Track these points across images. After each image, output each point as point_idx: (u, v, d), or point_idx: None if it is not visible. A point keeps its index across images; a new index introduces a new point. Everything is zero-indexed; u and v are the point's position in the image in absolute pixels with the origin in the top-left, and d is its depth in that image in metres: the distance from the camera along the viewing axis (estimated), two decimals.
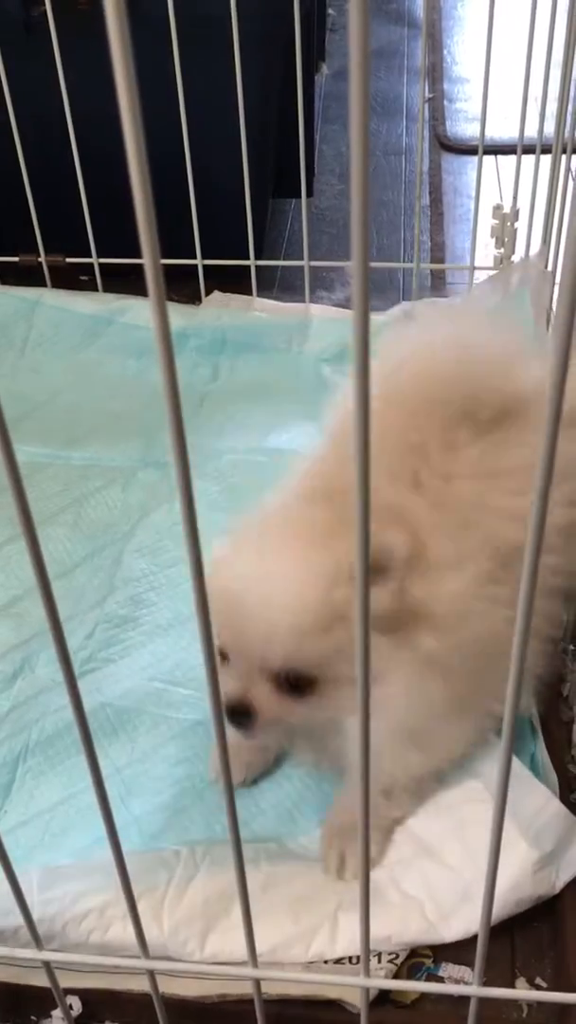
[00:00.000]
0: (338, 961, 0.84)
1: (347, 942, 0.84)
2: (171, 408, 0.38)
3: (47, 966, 0.67)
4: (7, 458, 0.39)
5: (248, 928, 0.62)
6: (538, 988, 0.84)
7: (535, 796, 0.90)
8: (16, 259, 1.53)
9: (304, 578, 0.78)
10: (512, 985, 0.84)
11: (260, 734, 0.84)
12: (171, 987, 0.79)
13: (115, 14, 0.31)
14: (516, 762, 0.92)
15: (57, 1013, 0.82)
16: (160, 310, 0.35)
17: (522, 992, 0.83)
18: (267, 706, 0.81)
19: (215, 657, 0.49)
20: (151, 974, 0.67)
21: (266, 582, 0.79)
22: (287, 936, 0.84)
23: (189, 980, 0.82)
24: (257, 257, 1.49)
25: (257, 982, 0.66)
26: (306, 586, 0.78)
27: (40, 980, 0.80)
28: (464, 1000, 0.66)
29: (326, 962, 0.84)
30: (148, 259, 0.34)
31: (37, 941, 0.65)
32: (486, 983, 0.65)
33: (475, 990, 0.66)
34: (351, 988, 0.80)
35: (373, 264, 1.51)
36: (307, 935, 0.84)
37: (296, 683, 0.80)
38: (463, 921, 0.84)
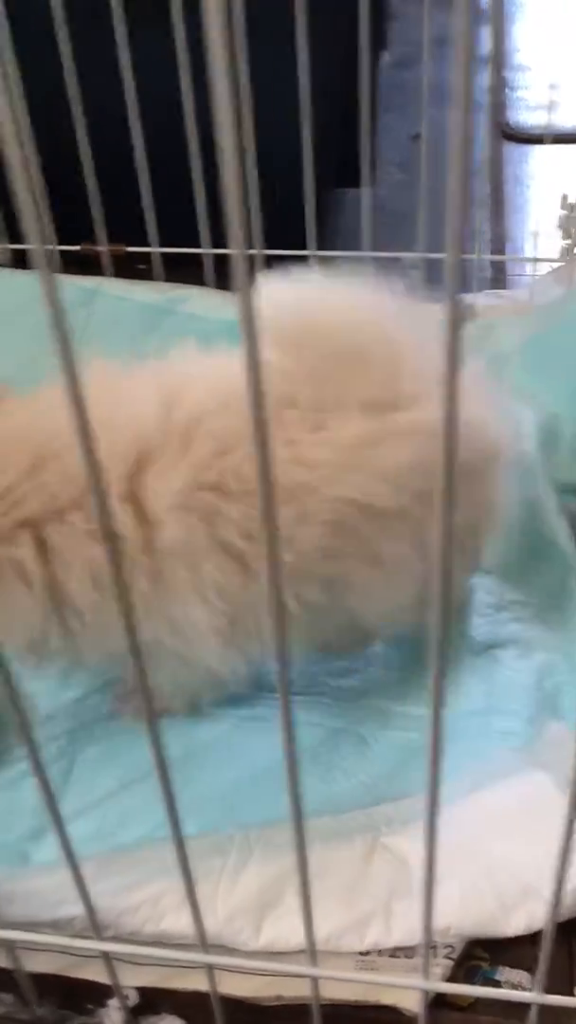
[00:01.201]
0: (392, 955, 0.83)
1: (403, 932, 0.83)
2: (254, 401, 0.37)
3: (106, 956, 0.67)
4: (86, 452, 0.38)
5: (308, 926, 0.61)
6: None
7: None
8: (78, 248, 1.54)
9: None
10: (570, 993, 0.83)
11: None
12: (225, 986, 0.78)
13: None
14: None
15: (113, 1002, 0.82)
16: (246, 301, 0.34)
17: None
18: None
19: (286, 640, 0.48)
20: (209, 968, 0.67)
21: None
22: (341, 924, 0.83)
23: (243, 977, 0.82)
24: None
25: (315, 980, 0.66)
26: None
27: (94, 971, 0.80)
28: (520, 1005, 0.65)
29: (380, 952, 0.83)
30: (237, 248, 0.34)
31: (96, 930, 0.65)
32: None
33: (536, 997, 0.65)
34: (407, 993, 0.79)
35: (432, 255, 1.50)
36: (361, 924, 0.83)
37: None
38: (525, 916, 0.83)
